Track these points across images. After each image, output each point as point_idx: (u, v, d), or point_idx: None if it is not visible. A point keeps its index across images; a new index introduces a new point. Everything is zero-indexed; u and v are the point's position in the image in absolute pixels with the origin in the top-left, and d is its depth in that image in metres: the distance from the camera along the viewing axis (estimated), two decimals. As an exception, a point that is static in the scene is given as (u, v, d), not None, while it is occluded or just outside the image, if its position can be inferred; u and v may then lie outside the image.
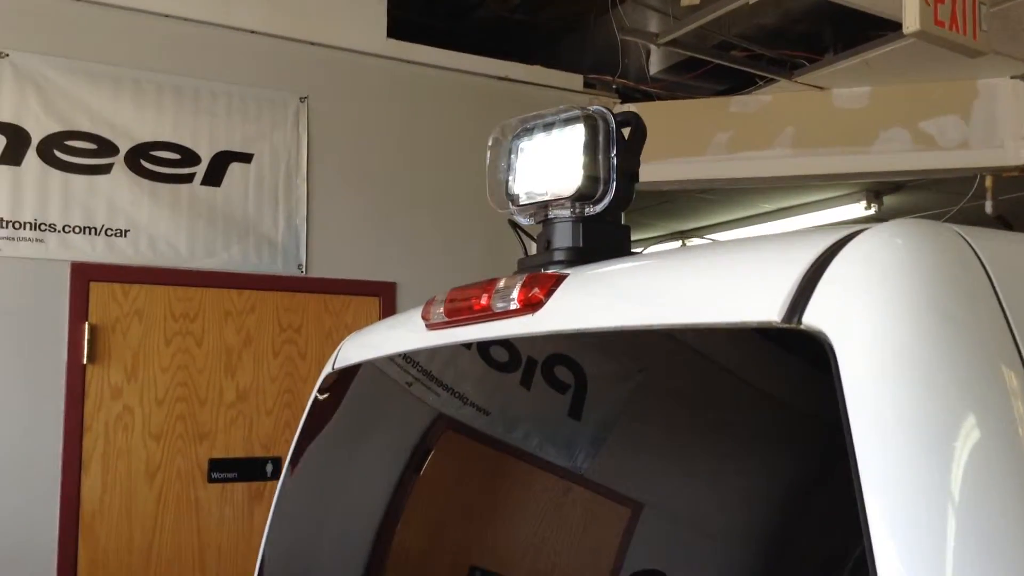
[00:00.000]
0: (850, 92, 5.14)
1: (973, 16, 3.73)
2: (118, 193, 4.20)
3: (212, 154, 4.43)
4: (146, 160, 4.27)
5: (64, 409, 4.06)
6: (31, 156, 4.04)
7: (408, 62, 4.93)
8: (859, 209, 6.32)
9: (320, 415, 2.74)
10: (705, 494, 1.30)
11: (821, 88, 5.18)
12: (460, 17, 6.23)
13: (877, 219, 6.46)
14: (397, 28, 4.98)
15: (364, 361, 2.52)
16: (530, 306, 1.69)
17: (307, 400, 4.57)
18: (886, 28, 4.67)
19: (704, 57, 4.96)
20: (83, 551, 4.04)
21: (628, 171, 1.81)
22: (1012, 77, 4.87)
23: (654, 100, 5.48)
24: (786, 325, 1.14)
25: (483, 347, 1.94)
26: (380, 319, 4.74)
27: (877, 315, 1.05)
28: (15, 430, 3.98)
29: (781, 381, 1.20)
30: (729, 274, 1.29)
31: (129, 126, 4.25)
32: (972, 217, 5.38)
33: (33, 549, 3.94)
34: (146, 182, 4.26)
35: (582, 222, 1.89)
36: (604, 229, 1.90)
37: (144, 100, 4.29)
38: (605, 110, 1.75)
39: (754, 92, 5.27)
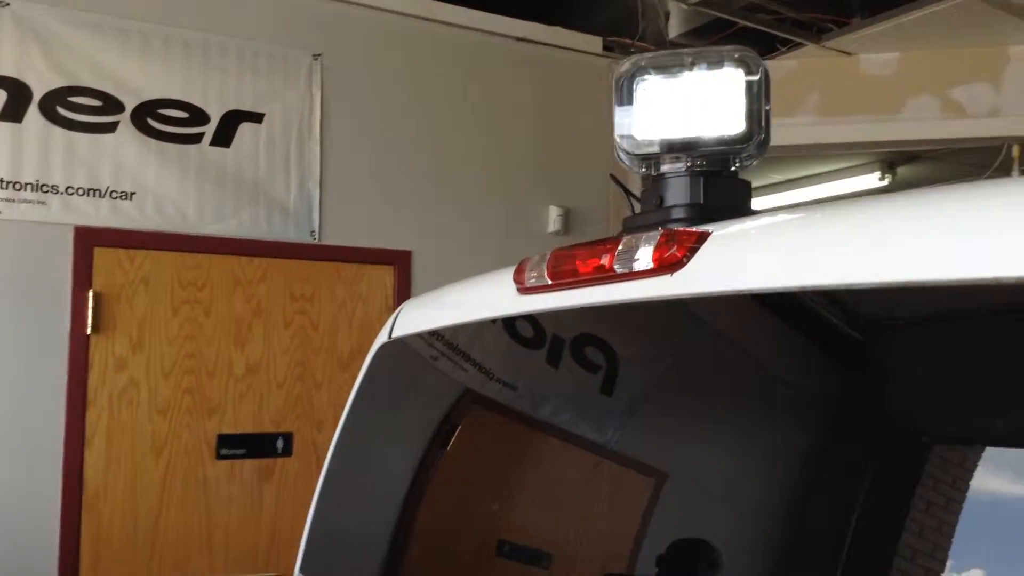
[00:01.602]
0: (878, 58, 4.99)
1: (1030, -24, 3.59)
2: (124, 153, 3.95)
3: (222, 113, 4.19)
4: (153, 118, 4.02)
5: (67, 381, 3.82)
6: (33, 112, 3.77)
7: (426, 19, 4.71)
8: (873, 180, 6.20)
9: (371, 387, 2.56)
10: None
11: (848, 54, 5.02)
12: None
13: (888, 190, 6.35)
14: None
15: (427, 331, 2.35)
16: (668, 266, 1.51)
17: (319, 373, 4.38)
18: (916, -9, 4.53)
19: (730, 18, 4.77)
20: (86, 528, 3.83)
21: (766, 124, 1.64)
22: (1046, 44, 4.75)
23: (673, 64, 5.29)
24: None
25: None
26: (395, 289, 4.55)
27: None
28: (14, 402, 3.74)
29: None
30: (960, 223, 1.11)
31: (136, 82, 3.99)
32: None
33: (35, 526, 3.72)
34: (153, 142, 4.02)
35: (704, 176, 1.72)
36: (730, 185, 1.73)
37: (151, 55, 4.03)
38: (757, 56, 1.57)
39: (779, 57, 5.10)
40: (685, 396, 1.60)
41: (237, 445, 4.13)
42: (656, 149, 1.66)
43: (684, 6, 4.65)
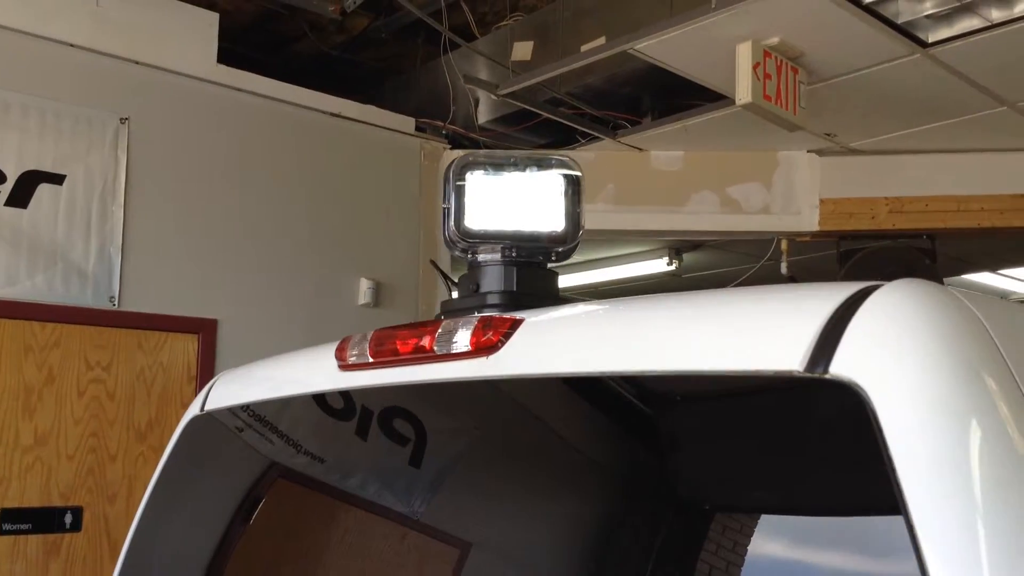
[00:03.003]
0: (666, 155, 5.46)
1: (794, 94, 4.09)
2: (-93, 209, 3.74)
3: (19, 173, 4.04)
4: (-57, 175, 3.84)
5: None
6: None
7: (239, 90, 4.74)
8: (662, 264, 6.68)
9: (179, 459, 2.54)
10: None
11: (640, 149, 5.46)
12: (276, 49, 6.07)
13: (676, 274, 6.86)
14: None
15: (245, 404, 2.37)
16: (484, 349, 1.66)
17: (114, 444, 4.23)
18: (701, 98, 5.02)
19: (536, 110, 5.10)
20: None
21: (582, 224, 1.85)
22: (808, 151, 5.36)
23: (481, 148, 5.57)
24: (809, 375, 1.18)
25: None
26: (199, 357, 4.48)
27: (914, 366, 1.12)
28: None
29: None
30: (735, 322, 1.32)
31: (-75, 136, 3.80)
32: (765, 276, 5.84)
33: None
34: (-58, 199, 3.83)
35: (516, 266, 1.89)
36: (541, 275, 1.91)
37: (-56, 108, 3.86)
38: (578, 163, 1.78)
39: (579, 148, 5.47)
40: (489, 468, 1.74)
41: (22, 520, 3.91)
42: (478, 239, 1.81)
43: (493, 97, 4.93)
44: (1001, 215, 5.10)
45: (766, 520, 1.27)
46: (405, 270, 5.22)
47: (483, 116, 5.57)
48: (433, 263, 2.06)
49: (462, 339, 1.69)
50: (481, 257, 1.91)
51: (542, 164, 1.89)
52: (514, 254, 1.87)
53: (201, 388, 4.49)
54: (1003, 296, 8.17)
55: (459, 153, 5.52)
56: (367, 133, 5.20)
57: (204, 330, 4.49)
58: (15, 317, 3.99)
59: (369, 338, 1.89)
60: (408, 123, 5.37)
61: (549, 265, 1.97)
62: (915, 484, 1.05)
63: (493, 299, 1.88)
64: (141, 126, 4.41)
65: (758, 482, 1.31)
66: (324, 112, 5.04)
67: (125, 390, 4.24)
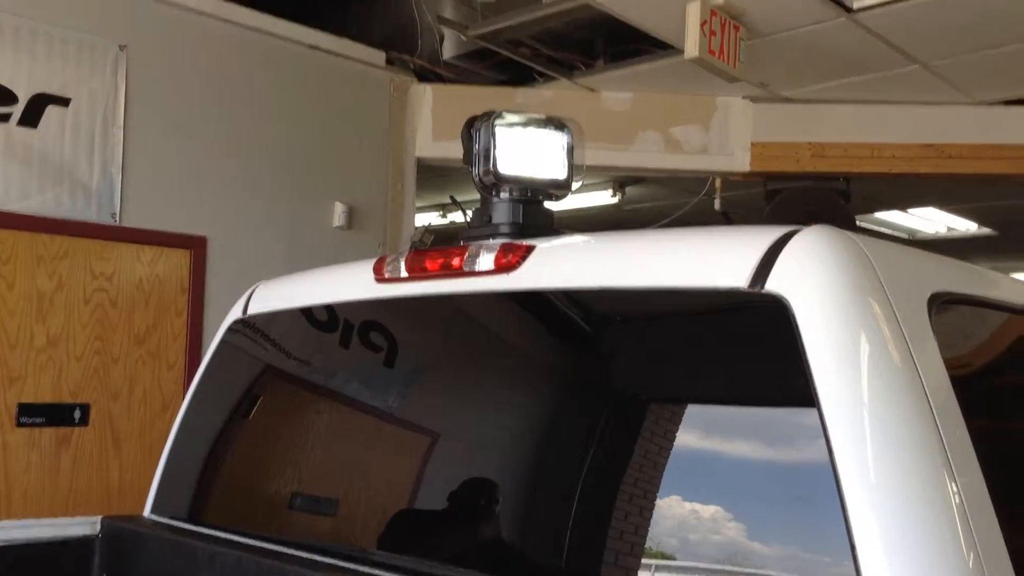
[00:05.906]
0: (616, 96, 5.96)
1: (735, 50, 4.61)
2: (-69, 128, 4.06)
3: (30, 95, 4.37)
4: (-38, 96, 4.16)
5: None
6: None
7: (226, 21, 5.08)
8: (606, 196, 7.24)
9: (222, 356, 2.99)
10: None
11: (593, 90, 5.95)
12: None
13: (619, 207, 7.42)
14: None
15: (282, 310, 2.83)
16: (504, 269, 2.17)
17: (116, 348, 4.67)
18: (649, 43, 5.51)
19: (500, 51, 5.53)
20: None
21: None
22: (744, 97, 5.91)
23: (446, 83, 5.99)
24: (751, 290, 1.74)
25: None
26: (191, 271, 4.90)
27: (821, 285, 1.67)
28: None
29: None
30: (698, 252, 1.87)
31: (-54, 59, 4.10)
32: (700, 210, 6.44)
33: None
34: (-39, 119, 4.15)
35: (524, 203, 2.40)
36: (542, 211, 2.42)
37: (-37, 34, 4.16)
38: (579, 125, 2.27)
39: (536, 87, 5.94)
40: (454, 372, 2.20)
41: (36, 414, 4.33)
42: (498, 180, 2.30)
43: (462, 37, 5.35)
44: (910, 162, 5.75)
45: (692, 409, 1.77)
46: (376, 194, 5.67)
47: (448, 52, 5.97)
48: (452, 198, 2.54)
49: (486, 261, 2.19)
50: (496, 195, 2.41)
51: (549, 126, 2.37)
52: (520, 193, 2.37)
53: (193, 300, 4.93)
54: (909, 235, 8.95)
55: (426, 87, 5.95)
56: (341, 65, 5.58)
57: (195, 246, 4.90)
58: (29, 230, 4.36)
59: (404, 257, 2.38)
60: (379, 56, 5.76)
61: (547, 204, 2.48)
62: (819, 369, 1.61)
63: (504, 229, 2.38)
64: (138, 53, 4.74)
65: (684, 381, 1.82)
66: (302, 44, 5.40)
67: (126, 299, 4.66)
